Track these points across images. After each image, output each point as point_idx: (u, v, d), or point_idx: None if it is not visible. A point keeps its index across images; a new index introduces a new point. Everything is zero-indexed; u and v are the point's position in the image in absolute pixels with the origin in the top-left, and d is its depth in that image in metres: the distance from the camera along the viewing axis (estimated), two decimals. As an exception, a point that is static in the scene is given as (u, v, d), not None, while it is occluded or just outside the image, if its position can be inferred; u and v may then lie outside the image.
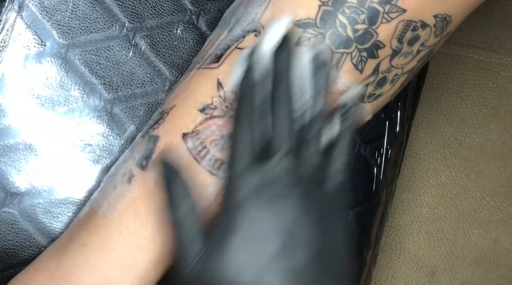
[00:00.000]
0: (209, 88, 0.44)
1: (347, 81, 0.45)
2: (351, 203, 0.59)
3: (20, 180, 0.50)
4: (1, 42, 0.50)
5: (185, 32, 0.53)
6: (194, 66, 0.47)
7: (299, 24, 0.43)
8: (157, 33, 0.53)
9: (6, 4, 0.50)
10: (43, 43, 0.50)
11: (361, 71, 0.44)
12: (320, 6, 0.43)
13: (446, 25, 0.45)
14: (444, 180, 0.89)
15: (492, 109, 0.91)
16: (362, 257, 0.61)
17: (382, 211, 0.62)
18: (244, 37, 0.44)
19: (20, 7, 0.50)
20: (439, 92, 0.89)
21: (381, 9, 0.43)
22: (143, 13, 0.52)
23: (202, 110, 0.44)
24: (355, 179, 0.59)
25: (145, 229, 0.44)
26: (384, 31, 0.43)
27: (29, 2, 0.50)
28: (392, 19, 0.43)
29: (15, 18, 0.50)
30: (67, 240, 0.46)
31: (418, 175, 0.88)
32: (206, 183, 0.44)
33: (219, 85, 0.44)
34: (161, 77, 0.53)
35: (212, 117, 0.44)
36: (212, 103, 0.44)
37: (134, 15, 0.52)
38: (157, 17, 0.53)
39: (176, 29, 0.53)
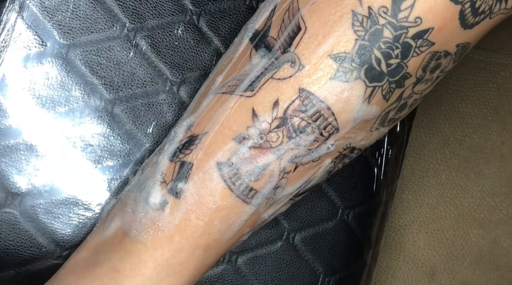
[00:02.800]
0: (244, 118, 0.45)
1: (374, 111, 0.45)
2: (351, 203, 0.59)
3: (21, 180, 0.50)
4: (1, 42, 0.50)
5: (186, 32, 0.53)
6: (223, 85, 0.47)
7: (335, 57, 0.43)
8: (158, 33, 0.53)
9: (7, 5, 0.50)
10: (44, 43, 0.50)
11: (387, 101, 0.45)
12: (356, 40, 0.43)
13: (464, 51, 0.46)
14: (444, 180, 0.89)
15: (492, 109, 0.91)
16: (362, 257, 0.61)
17: (383, 211, 0.62)
18: (279, 67, 0.44)
19: (21, 8, 0.50)
20: (439, 92, 0.89)
21: (413, 44, 0.43)
22: (144, 13, 0.52)
23: (237, 140, 0.45)
24: (355, 179, 0.59)
25: (180, 256, 0.45)
26: (413, 63, 0.44)
27: (30, 2, 0.50)
28: (422, 52, 0.44)
29: (16, 19, 0.50)
30: (94, 263, 0.46)
31: (418, 175, 0.89)
32: (239, 212, 0.45)
33: (254, 115, 0.44)
34: (162, 78, 0.53)
35: (247, 147, 0.45)
36: (247, 133, 0.44)
37: (135, 16, 0.52)
38: (157, 17, 0.53)
39: (177, 30, 0.53)
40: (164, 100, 0.53)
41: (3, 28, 0.50)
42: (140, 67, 0.52)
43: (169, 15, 0.53)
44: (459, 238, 0.89)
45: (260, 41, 0.46)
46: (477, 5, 0.43)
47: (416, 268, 0.88)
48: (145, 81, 0.52)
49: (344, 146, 0.47)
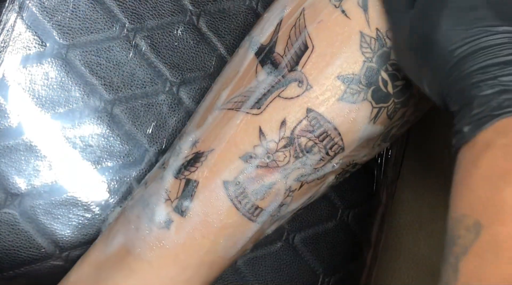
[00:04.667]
0: (250, 136, 0.44)
1: (378, 130, 0.45)
2: (351, 203, 0.59)
3: (20, 181, 0.50)
4: (1, 42, 0.50)
5: (185, 32, 0.53)
6: (229, 101, 0.46)
7: (343, 79, 0.43)
8: (158, 33, 0.53)
9: (7, 5, 0.50)
10: (44, 43, 0.50)
11: (391, 119, 0.45)
12: (364, 61, 0.43)
13: None
14: (444, 180, 0.89)
15: (492, 109, 0.91)
16: (362, 258, 0.61)
17: (383, 212, 0.62)
18: (286, 85, 0.44)
19: (21, 8, 0.50)
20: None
21: None
22: (144, 13, 0.52)
23: (244, 158, 0.44)
24: (355, 179, 0.59)
25: (185, 274, 0.45)
26: None
27: (29, 2, 0.50)
28: None
29: (16, 19, 0.50)
30: (97, 280, 0.46)
31: (418, 175, 0.88)
32: (245, 229, 0.45)
33: (261, 134, 0.44)
34: (161, 78, 0.53)
35: (254, 166, 0.44)
36: (254, 152, 0.44)
37: (135, 16, 0.52)
38: (157, 17, 0.53)
39: (177, 30, 0.53)
40: (164, 100, 0.53)
41: (3, 29, 0.50)
42: (139, 67, 0.52)
43: (168, 16, 0.53)
44: (459, 238, 0.89)
45: (266, 56, 0.45)
46: None
47: (416, 268, 0.88)
48: (144, 81, 0.52)
49: (348, 163, 0.47)
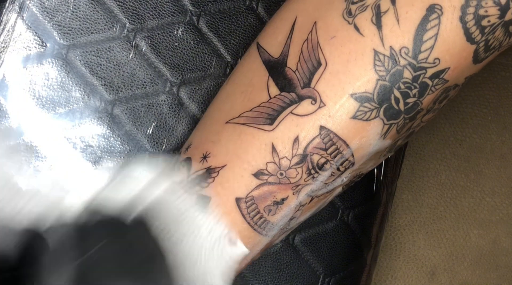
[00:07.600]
0: (263, 153, 0.44)
1: (387, 144, 0.45)
2: (351, 203, 0.59)
3: (21, 181, 0.50)
4: (1, 43, 0.50)
5: (186, 33, 0.53)
6: (241, 116, 0.46)
7: (356, 97, 0.43)
8: (158, 34, 0.53)
9: (7, 5, 0.50)
10: (44, 44, 0.50)
11: (399, 133, 0.46)
12: (378, 80, 0.43)
13: (469, 80, 0.47)
14: (444, 180, 0.89)
15: (492, 109, 0.91)
16: (362, 258, 0.61)
17: (383, 212, 0.62)
18: (299, 102, 0.44)
19: (21, 8, 0.50)
20: (439, 92, 0.89)
21: (430, 83, 0.43)
22: (144, 14, 0.52)
23: (256, 175, 0.44)
24: (355, 179, 0.59)
25: None
26: (427, 100, 0.44)
27: (29, 2, 0.50)
28: (436, 89, 0.44)
29: (16, 19, 0.50)
30: None
31: (418, 175, 0.88)
32: (256, 242, 0.46)
33: (274, 150, 0.44)
34: (162, 78, 0.53)
35: (266, 183, 0.44)
36: (266, 169, 0.44)
37: (135, 16, 0.52)
38: (157, 18, 0.53)
39: (177, 30, 0.53)
40: (164, 101, 0.53)
41: (3, 29, 0.50)
42: (140, 67, 0.52)
43: (169, 16, 0.53)
44: (459, 238, 0.89)
45: (278, 71, 0.45)
46: (490, 43, 0.43)
47: (416, 268, 0.88)
48: (145, 82, 0.52)
49: (355, 175, 0.47)
